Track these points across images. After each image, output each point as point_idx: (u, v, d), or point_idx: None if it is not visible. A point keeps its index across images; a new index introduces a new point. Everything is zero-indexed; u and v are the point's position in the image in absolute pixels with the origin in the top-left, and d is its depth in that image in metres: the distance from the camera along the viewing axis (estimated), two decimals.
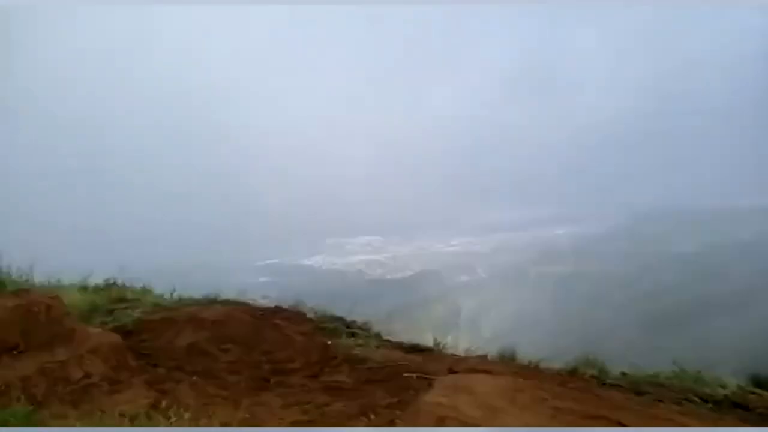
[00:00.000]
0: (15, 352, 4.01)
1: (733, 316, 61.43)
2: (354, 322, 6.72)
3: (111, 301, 6.84)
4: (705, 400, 4.72)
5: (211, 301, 6.91)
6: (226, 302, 6.86)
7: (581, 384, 4.63)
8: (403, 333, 6.56)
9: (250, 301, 7.03)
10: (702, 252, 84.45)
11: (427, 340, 6.01)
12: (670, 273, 77.14)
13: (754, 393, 5.12)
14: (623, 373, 5.44)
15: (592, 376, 5.19)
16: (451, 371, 4.13)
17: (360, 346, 5.67)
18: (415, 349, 5.88)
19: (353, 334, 6.24)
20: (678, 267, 79.46)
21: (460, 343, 6.25)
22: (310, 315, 6.48)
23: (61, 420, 3.35)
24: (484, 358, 5.58)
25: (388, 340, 6.19)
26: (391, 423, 3.06)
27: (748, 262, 73.81)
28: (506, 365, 5.08)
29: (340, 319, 6.68)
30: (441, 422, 2.94)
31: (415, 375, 4.16)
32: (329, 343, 5.40)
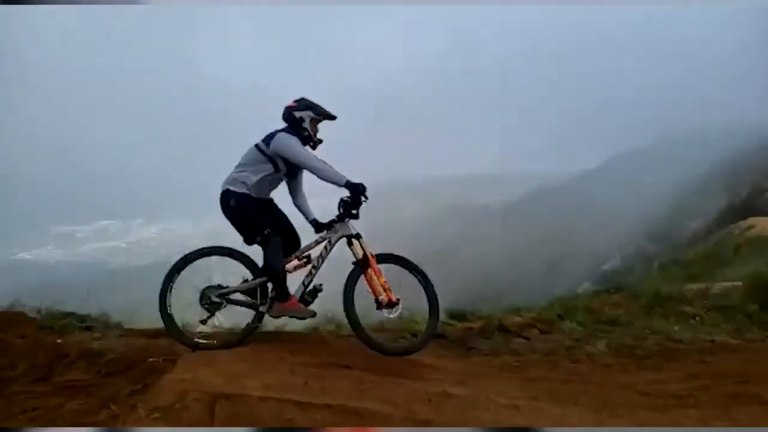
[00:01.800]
0: None
1: (443, 268, 72.70)
2: (89, 315, 6.26)
3: None
4: (414, 335, 5.70)
5: None
6: None
7: (318, 338, 5.17)
8: (152, 320, 6.36)
9: None
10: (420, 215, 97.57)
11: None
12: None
13: (450, 324, 6.40)
14: None
15: (330, 332, 5.86)
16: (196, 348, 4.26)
17: (97, 339, 5.36)
18: (161, 333, 5.78)
19: (89, 328, 5.84)
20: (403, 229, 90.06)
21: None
22: (32, 315, 5.82)
23: None
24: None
25: (131, 329, 5.95)
26: (134, 408, 3.11)
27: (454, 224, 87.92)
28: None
29: (72, 315, 6.15)
30: (184, 396, 3.12)
31: (160, 359, 4.17)
32: (59, 341, 4.99)
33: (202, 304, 4.29)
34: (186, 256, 4.28)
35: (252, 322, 4.37)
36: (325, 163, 4.25)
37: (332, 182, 4.18)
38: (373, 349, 4.44)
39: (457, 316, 6.75)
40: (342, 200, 4.45)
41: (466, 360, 5.29)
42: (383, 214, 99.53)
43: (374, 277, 4.42)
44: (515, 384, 4.37)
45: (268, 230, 4.26)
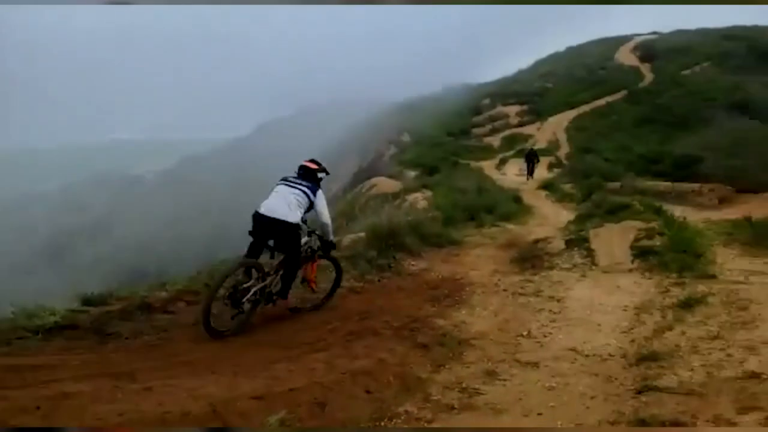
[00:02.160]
0: None
1: (93, 247, 65.65)
2: None
3: None
4: (36, 332, 4.87)
5: None
6: None
7: None
8: None
9: None
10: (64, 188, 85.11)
11: None
12: (38, 210, 74.60)
13: (83, 311, 5.65)
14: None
15: None
16: None
17: None
18: None
19: None
20: (45, 204, 77.47)
21: None
22: None
23: None
24: None
25: None
26: None
27: (104, 193, 79.57)
28: None
29: None
30: None
31: None
32: None
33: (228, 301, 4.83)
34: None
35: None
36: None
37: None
38: None
39: (92, 301, 6.01)
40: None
41: (99, 349, 4.76)
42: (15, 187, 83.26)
43: None
44: (150, 364, 4.13)
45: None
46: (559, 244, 8.15)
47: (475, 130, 37.06)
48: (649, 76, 38.67)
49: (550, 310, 5.48)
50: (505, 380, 3.89)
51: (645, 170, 20.62)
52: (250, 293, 4.92)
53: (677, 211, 10.08)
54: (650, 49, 44.46)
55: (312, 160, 5.57)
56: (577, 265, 7.15)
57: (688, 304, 4.93)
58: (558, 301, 5.77)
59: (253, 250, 5.14)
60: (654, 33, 52.21)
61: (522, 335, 4.86)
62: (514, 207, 14.33)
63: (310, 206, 5.31)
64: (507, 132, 35.15)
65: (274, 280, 5.25)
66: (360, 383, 3.72)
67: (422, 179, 21.48)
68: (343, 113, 56.05)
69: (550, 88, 41.80)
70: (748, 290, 5.20)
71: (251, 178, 68.21)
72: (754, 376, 3.22)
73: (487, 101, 42.87)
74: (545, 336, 4.81)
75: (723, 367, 3.49)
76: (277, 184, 5.33)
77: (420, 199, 15.48)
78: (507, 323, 5.23)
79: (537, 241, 8.71)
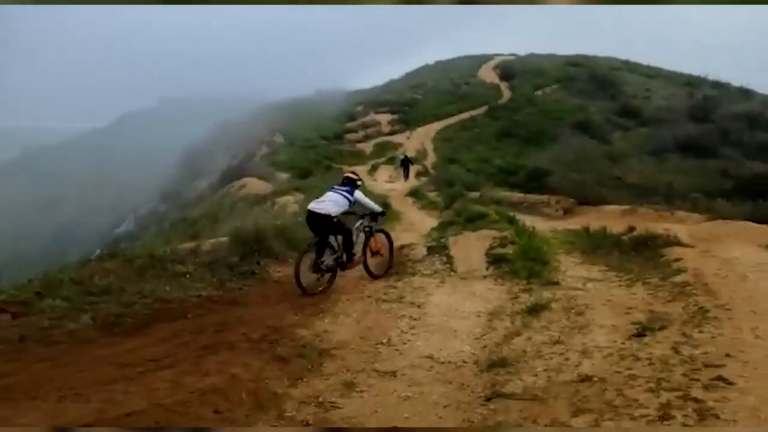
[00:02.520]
0: None
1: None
2: None
3: None
4: None
5: None
6: None
7: None
8: None
9: None
10: None
11: None
12: None
13: None
14: None
15: None
16: None
17: None
18: None
19: None
20: None
21: None
22: None
23: None
24: None
25: None
26: None
27: None
28: None
29: None
30: None
31: None
32: None
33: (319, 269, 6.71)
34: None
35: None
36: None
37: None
38: None
39: None
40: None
41: None
42: None
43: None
44: None
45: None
46: (421, 250, 8.41)
47: (348, 136, 37.27)
48: (507, 94, 41.68)
49: (411, 317, 5.59)
50: (362, 391, 3.88)
51: (503, 181, 22.26)
52: (325, 263, 6.74)
53: (528, 220, 10.92)
54: (509, 69, 47.96)
55: (352, 172, 7.76)
56: (438, 272, 7.40)
57: (534, 310, 5.32)
58: (418, 307, 5.91)
59: (318, 236, 6.83)
60: (512, 54, 56.60)
61: (382, 343, 4.90)
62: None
63: (352, 203, 7.19)
64: (379, 139, 35.86)
65: (341, 253, 7.01)
66: (209, 403, 3.49)
67: (294, 182, 21.14)
68: (211, 109, 53.49)
69: (419, 99, 43.41)
70: (584, 296, 5.74)
71: (108, 172, 62.70)
72: (587, 379, 3.52)
73: (360, 108, 43.46)
74: (404, 343, 4.89)
75: (561, 370, 3.78)
76: (328, 191, 7.20)
77: (291, 202, 15.21)
78: (369, 331, 5.26)
79: (402, 247, 8.91)
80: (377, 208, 7.57)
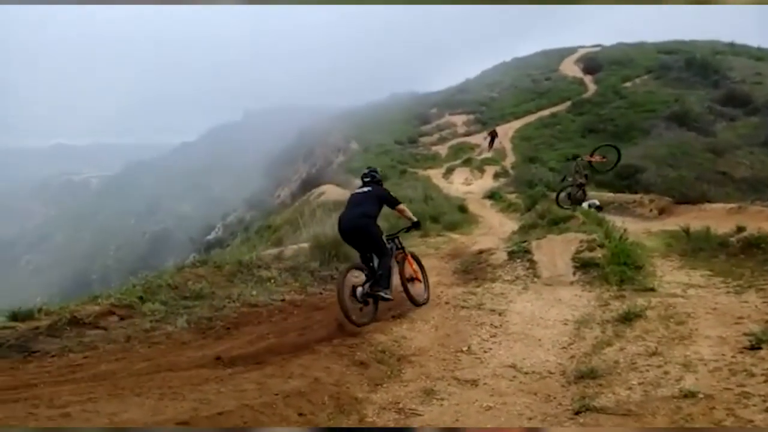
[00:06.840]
0: None
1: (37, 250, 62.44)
2: None
3: None
4: None
5: None
6: None
7: None
8: None
9: None
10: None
11: None
12: None
13: (9, 328, 5.24)
14: None
15: None
16: None
17: None
18: None
19: None
20: None
21: None
22: None
23: None
24: None
25: None
26: None
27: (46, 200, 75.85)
28: None
29: None
30: None
31: None
32: None
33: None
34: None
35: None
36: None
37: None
38: None
39: (19, 315, 5.57)
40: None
41: (19, 368, 4.42)
42: None
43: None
44: (72, 387, 3.83)
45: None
46: (502, 255, 8.16)
47: (423, 139, 37.18)
48: (592, 88, 39.66)
49: (491, 324, 5.43)
50: (442, 399, 3.79)
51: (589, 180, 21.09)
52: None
53: (619, 221, 10.31)
54: (593, 62, 45.52)
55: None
56: (520, 278, 7.15)
57: (627, 319, 4.94)
58: (499, 314, 5.72)
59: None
60: (597, 45, 53.92)
61: (462, 350, 4.79)
62: (459, 216, 14.42)
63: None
64: (454, 141, 35.47)
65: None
66: (293, 405, 3.54)
67: None
68: (289, 119, 55.06)
69: (496, 98, 42.49)
70: (685, 304, 5.27)
71: (198, 182, 66.34)
72: (690, 395, 3.24)
73: (434, 110, 43.18)
74: (485, 351, 4.75)
75: (660, 385, 3.50)
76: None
77: None
78: (448, 338, 5.16)
79: (481, 252, 8.70)
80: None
